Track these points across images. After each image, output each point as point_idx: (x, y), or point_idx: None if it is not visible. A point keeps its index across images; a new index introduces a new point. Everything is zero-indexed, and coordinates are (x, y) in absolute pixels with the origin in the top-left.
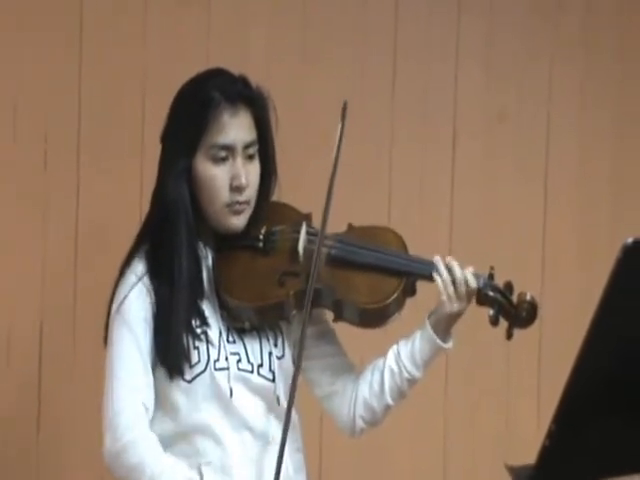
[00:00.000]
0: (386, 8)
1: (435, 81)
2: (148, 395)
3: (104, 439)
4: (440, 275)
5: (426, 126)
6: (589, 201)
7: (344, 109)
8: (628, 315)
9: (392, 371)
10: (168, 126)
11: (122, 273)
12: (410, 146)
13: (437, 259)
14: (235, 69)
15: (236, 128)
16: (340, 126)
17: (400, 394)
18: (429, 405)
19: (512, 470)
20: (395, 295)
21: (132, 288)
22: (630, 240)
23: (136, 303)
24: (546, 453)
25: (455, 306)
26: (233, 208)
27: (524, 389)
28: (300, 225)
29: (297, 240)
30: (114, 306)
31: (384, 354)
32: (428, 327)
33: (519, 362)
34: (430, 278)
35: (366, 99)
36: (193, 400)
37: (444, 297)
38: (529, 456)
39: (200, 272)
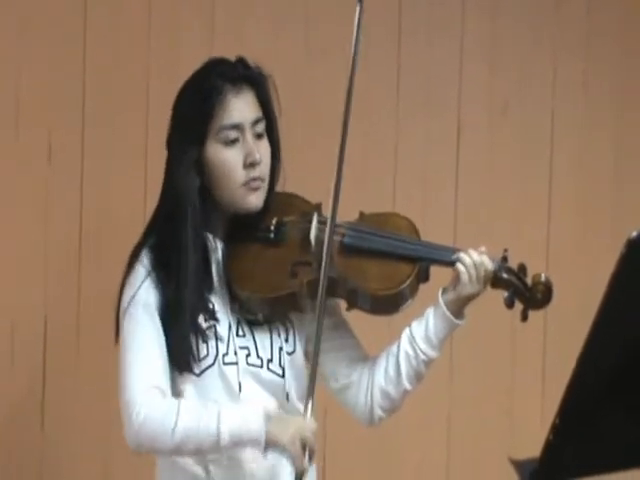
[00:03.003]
0: (389, 0)
1: (439, 74)
2: (163, 380)
3: (127, 431)
4: (462, 258)
5: (431, 119)
6: (593, 192)
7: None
8: (632, 310)
9: (407, 354)
10: (174, 122)
11: (130, 266)
12: (415, 138)
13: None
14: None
15: (241, 106)
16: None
17: (417, 377)
18: (433, 399)
19: (516, 464)
20: (409, 281)
21: (142, 282)
22: (635, 234)
23: (147, 296)
24: (550, 447)
25: (475, 288)
26: (250, 185)
27: (528, 383)
28: (311, 215)
29: (309, 230)
30: (125, 301)
31: (392, 342)
32: (442, 305)
33: (523, 356)
34: (447, 263)
35: (371, 92)
36: (202, 393)
37: (465, 278)
38: (533, 450)
39: (209, 265)
